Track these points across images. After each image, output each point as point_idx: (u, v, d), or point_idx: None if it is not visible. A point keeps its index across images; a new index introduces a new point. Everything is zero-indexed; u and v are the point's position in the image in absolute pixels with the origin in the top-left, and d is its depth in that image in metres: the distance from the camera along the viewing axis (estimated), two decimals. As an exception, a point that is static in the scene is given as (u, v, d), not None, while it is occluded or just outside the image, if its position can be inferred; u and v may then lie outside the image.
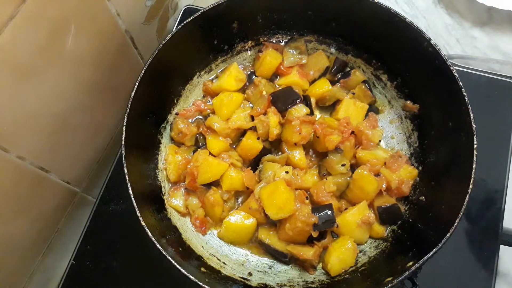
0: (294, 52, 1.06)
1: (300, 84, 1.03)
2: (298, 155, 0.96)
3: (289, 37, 1.07)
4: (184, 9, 1.23)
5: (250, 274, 0.92)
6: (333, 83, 1.05)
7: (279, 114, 0.95)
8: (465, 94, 0.81)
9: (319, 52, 1.07)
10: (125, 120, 0.84)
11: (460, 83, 0.82)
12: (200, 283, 0.75)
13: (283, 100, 0.96)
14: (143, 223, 0.78)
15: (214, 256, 0.94)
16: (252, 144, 0.96)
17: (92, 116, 0.98)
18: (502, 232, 0.95)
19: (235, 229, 0.93)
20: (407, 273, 0.74)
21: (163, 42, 0.90)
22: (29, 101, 0.75)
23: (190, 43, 0.98)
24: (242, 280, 0.90)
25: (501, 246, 0.95)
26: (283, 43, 1.08)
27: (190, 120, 1.03)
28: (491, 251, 0.94)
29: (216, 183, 0.95)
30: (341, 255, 0.88)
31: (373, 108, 1.04)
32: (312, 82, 1.06)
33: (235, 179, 0.94)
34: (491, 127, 1.04)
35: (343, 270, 0.89)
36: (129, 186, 0.80)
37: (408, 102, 1.00)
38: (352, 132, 0.96)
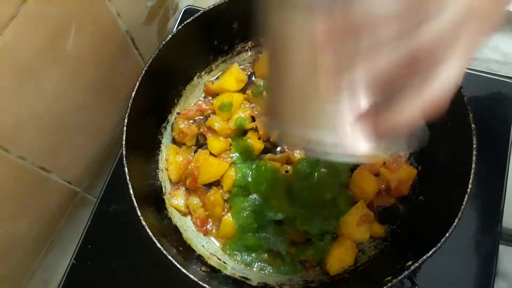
0: (294, 52, 1.05)
1: (300, 84, 1.03)
2: (298, 154, 0.96)
3: (289, 37, 1.07)
4: (185, 10, 1.23)
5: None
6: (333, 83, 1.05)
7: (280, 115, 0.96)
8: (464, 94, 0.81)
9: (319, 52, 1.07)
10: (126, 121, 0.84)
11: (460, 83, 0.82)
12: (201, 283, 0.75)
13: (283, 100, 0.96)
14: (144, 223, 0.78)
15: (215, 255, 0.94)
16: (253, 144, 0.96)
17: (93, 116, 0.98)
18: (501, 231, 0.95)
19: (234, 227, 0.93)
20: (406, 272, 0.74)
21: (164, 43, 0.90)
22: (30, 101, 0.75)
23: (190, 44, 0.98)
24: (243, 279, 0.90)
25: (501, 246, 0.95)
26: (283, 44, 1.08)
27: (191, 121, 1.03)
28: (491, 250, 0.94)
29: (217, 183, 0.96)
30: (341, 255, 0.89)
31: (373, 109, 1.03)
32: (312, 82, 1.06)
33: (236, 179, 0.94)
34: (490, 127, 1.04)
35: (342, 270, 0.89)
36: (129, 186, 0.80)
37: None
38: (352, 132, 0.96)
